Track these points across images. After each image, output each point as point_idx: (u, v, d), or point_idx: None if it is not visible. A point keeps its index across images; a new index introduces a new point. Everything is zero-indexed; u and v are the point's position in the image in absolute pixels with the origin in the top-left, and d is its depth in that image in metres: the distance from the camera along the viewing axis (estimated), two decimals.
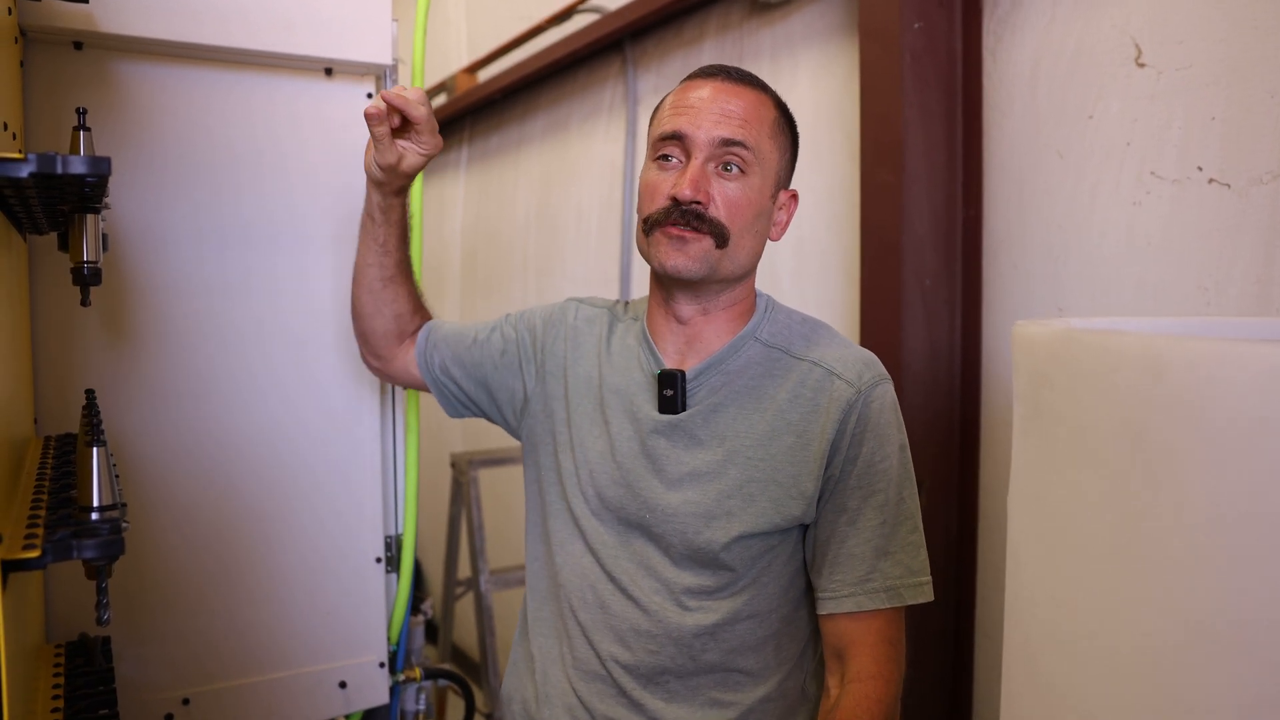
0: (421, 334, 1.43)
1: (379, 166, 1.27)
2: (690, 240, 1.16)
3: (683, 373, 1.22)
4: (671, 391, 1.22)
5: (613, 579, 1.24)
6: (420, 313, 1.45)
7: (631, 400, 1.26)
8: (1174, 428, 0.53)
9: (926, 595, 1.18)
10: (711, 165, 1.17)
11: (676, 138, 1.17)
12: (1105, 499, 0.59)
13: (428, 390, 1.45)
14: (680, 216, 1.15)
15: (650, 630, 1.21)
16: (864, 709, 1.13)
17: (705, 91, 1.19)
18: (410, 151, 1.27)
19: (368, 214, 1.35)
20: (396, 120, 1.24)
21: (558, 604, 1.30)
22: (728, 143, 1.16)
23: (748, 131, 1.17)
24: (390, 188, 1.31)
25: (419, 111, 1.23)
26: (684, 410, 1.22)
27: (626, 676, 1.22)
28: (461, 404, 1.43)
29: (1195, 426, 0.52)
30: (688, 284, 1.20)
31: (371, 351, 1.45)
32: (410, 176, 1.31)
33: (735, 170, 1.17)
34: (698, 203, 1.15)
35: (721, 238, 1.16)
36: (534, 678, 1.31)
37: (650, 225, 1.19)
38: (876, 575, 1.16)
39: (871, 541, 1.17)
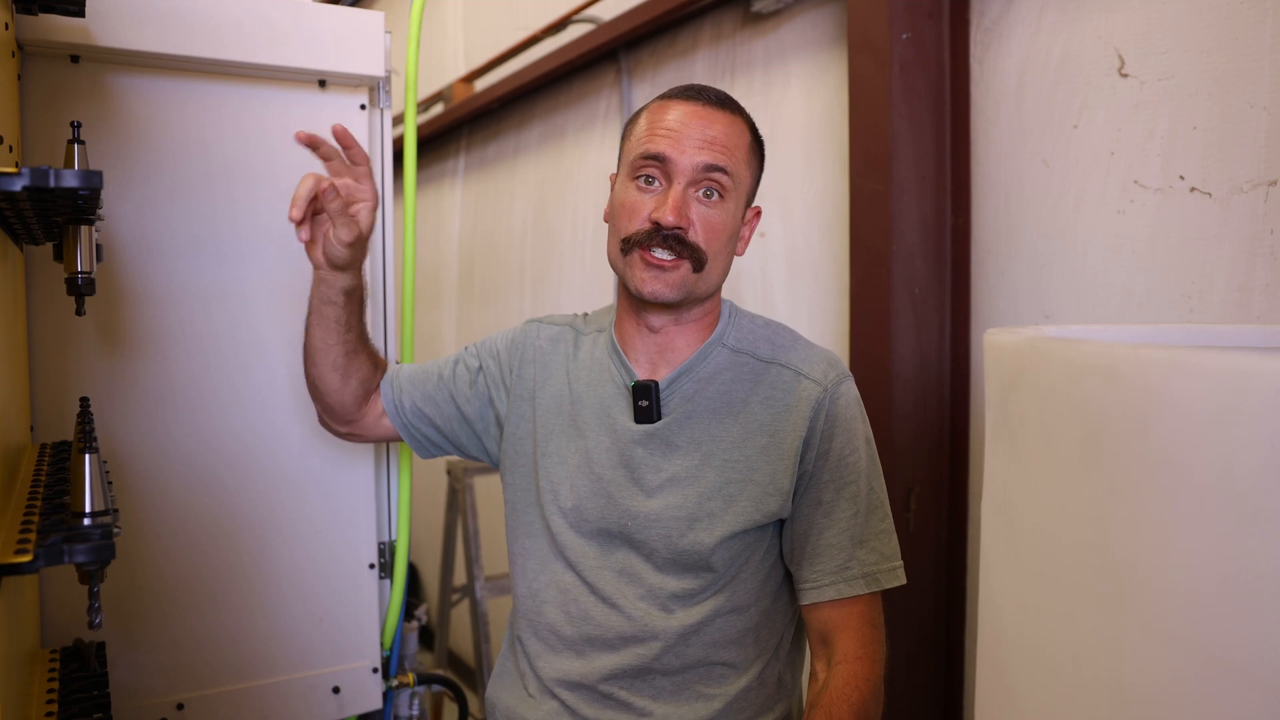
0: (384, 384, 1.39)
1: (343, 245, 1.20)
2: (669, 268, 1.18)
3: (656, 383, 1.25)
4: (646, 402, 1.24)
5: (595, 590, 1.26)
6: (380, 366, 1.40)
7: (608, 413, 1.28)
8: (1127, 437, 0.54)
9: (900, 579, 1.24)
10: (692, 190, 1.18)
11: (659, 160, 1.18)
12: (1067, 506, 0.60)
13: (398, 439, 1.42)
14: (662, 241, 1.17)
15: (636, 634, 1.23)
16: (853, 686, 1.19)
17: (684, 114, 1.20)
18: (363, 209, 1.22)
19: (326, 302, 1.27)
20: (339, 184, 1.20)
21: (538, 621, 1.31)
22: (710, 168, 1.17)
23: (729, 157, 1.19)
24: (356, 264, 1.25)
25: (359, 149, 1.22)
26: (660, 419, 1.25)
27: (612, 683, 1.24)
28: (434, 444, 1.41)
29: (1146, 435, 0.53)
30: (664, 305, 1.23)
31: (339, 420, 1.39)
32: (368, 236, 1.24)
33: (715, 196, 1.19)
34: (680, 228, 1.17)
35: (699, 262, 1.19)
36: (520, 686, 1.33)
37: (629, 245, 1.20)
38: (854, 563, 1.21)
39: (847, 531, 1.22)
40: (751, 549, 1.24)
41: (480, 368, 1.40)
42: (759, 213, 1.30)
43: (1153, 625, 0.55)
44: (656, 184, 1.20)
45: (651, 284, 1.19)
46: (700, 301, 1.25)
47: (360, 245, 1.23)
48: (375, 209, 1.24)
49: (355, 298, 1.29)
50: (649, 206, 1.19)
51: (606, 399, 1.29)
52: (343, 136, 1.21)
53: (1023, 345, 0.67)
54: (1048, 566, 0.62)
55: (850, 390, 1.26)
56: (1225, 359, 0.52)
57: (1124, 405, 0.54)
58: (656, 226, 1.17)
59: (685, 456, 1.23)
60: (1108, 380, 0.55)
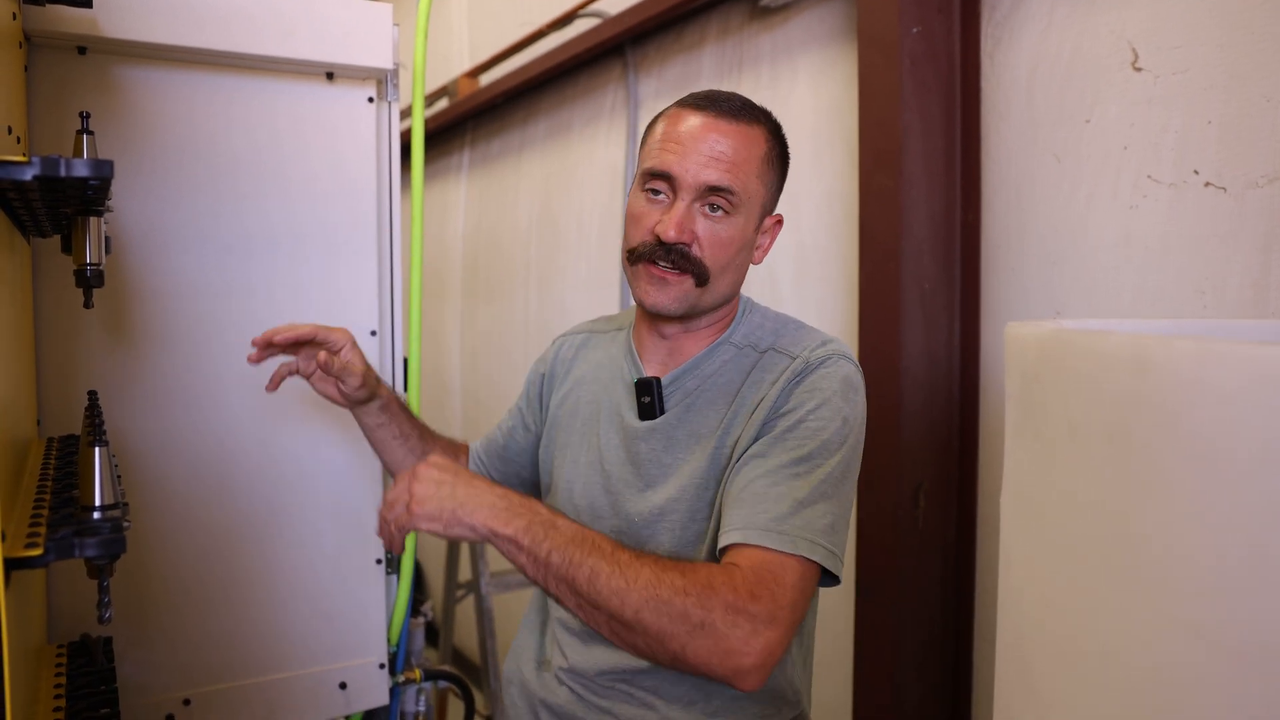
0: (469, 465, 1.51)
1: (355, 388, 1.34)
2: (671, 282, 1.19)
3: (658, 379, 1.26)
4: (649, 398, 1.25)
5: None
6: (456, 448, 1.52)
7: (618, 410, 1.30)
8: (1158, 427, 0.53)
9: (823, 558, 1.08)
10: (698, 205, 1.18)
11: (665, 177, 1.18)
12: (1092, 498, 0.59)
13: None
14: (664, 254, 1.17)
15: None
16: (719, 574, 1.04)
17: (695, 125, 1.18)
18: (345, 351, 1.34)
19: (375, 428, 1.41)
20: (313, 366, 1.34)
21: (555, 612, 1.34)
22: (713, 189, 1.17)
23: (735, 176, 1.17)
24: (373, 386, 1.37)
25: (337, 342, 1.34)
26: (662, 415, 1.26)
27: (612, 676, 1.25)
28: (535, 493, 1.49)
29: (1178, 426, 0.52)
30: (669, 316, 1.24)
31: None
32: (365, 366, 1.36)
33: (721, 212, 1.18)
34: (681, 244, 1.17)
35: (703, 277, 1.19)
36: (537, 666, 1.35)
37: (635, 257, 1.21)
38: (772, 517, 1.08)
39: (778, 486, 1.10)
40: None
41: (529, 408, 1.48)
42: (780, 221, 1.28)
43: (1184, 616, 0.54)
44: (663, 197, 1.20)
45: (654, 296, 1.20)
46: (710, 311, 1.26)
47: (369, 375, 1.36)
48: (354, 344, 1.36)
49: (394, 409, 1.41)
50: (654, 218, 1.19)
51: (618, 397, 1.31)
52: (278, 335, 1.32)
53: (1046, 337, 0.66)
54: (1074, 558, 0.61)
55: (838, 368, 1.18)
56: (1258, 350, 0.51)
57: (1154, 396, 0.54)
58: (659, 240, 1.17)
59: (685, 450, 1.23)
60: (1137, 371, 0.54)
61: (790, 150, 1.29)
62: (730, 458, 1.19)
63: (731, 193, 1.17)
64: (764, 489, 1.11)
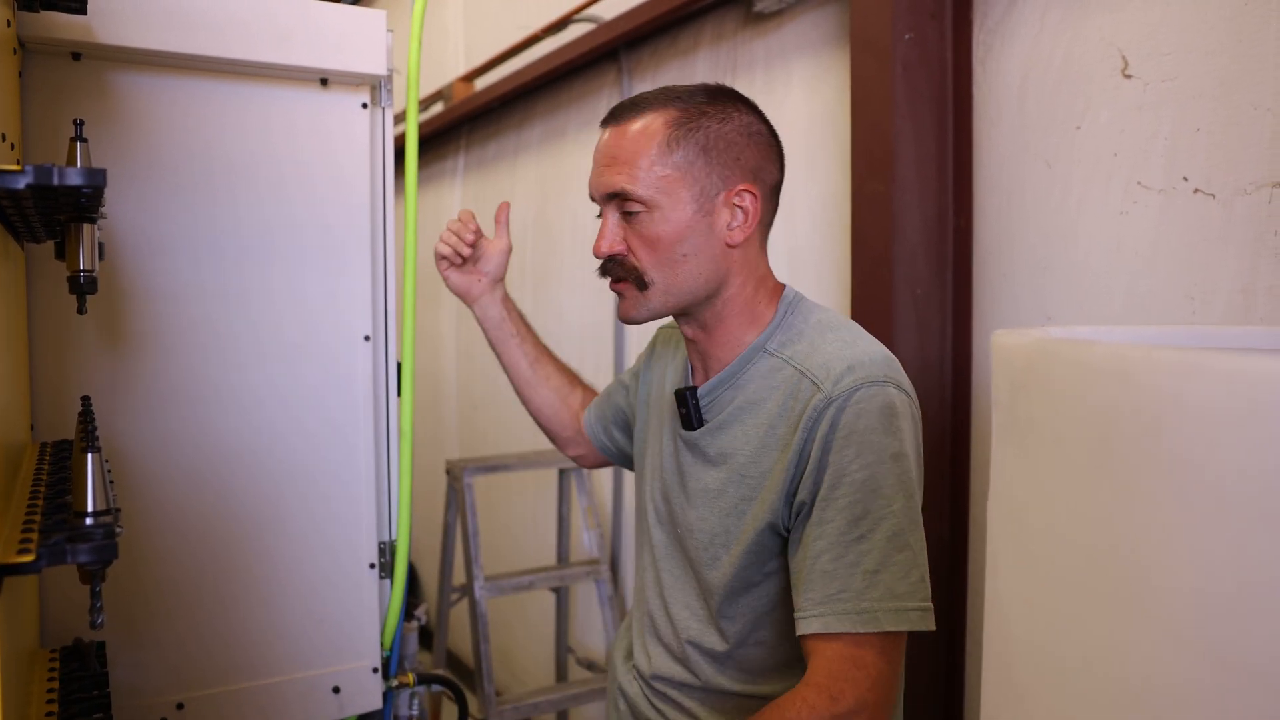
0: (585, 413, 1.57)
1: (502, 252, 1.52)
2: (624, 293, 1.22)
3: (693, 389, 1.24)
4: (685, 409, 1.24)
5: (661, 591, 1.31)
6: (577, 383, 1.60)
7: (675, 415, 1.31)
8: (1140, 438, 0.54)
9: (913, 623, 1.08)
10: (617, 215, 1.20)
11: (593, 200, 1.24)
12: (1078, 508, 0.60)
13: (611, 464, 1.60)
14: (609, 270, 1.22)
15: (681, 642, 1.27)
16: (775, 710, 1.07)
17: (601, 142, 1.23)
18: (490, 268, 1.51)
19: (497, 325, 1.55)
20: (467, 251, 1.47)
21: (640, 608, 1.39)
22: (613, 195, 1.19)
23: (626, 175, 1.16)
24: (502, 278, 1.53)
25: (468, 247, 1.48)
26: (699, 427, 1.24)
27: (664, 683, 1.30)
28: (629, 457, 1.52)
29: (1160, 437, 0.53)
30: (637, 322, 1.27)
31: (562, 443, 1.61)
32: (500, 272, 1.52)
33: (636, 214, 1.18)
34: (614, 256, 1.20)
35: (640, 281, 1.19)
36: (624, 656, 1.41)
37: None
38: (848, 594, 1.06)
39: (844, 557, 1.07)
40: (780, 570, 1.19)
41: (629, 380, 1.51)
42: (743, 190, 1.18)
43: (1164, 627, 0.54)
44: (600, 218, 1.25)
45: (621, 309, 1.25)
46: (706, 303, 1.21)
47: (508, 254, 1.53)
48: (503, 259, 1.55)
49: (511, 304, 1.56)
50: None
51: (673, 404, 1.33)
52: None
53: (1031, 347, 0.67)
54: (1057, 568, 0.62)
55: (874, 398, 1.08)
56: (1238, 361, 0.51)
57: (1136, 407, 0.54)
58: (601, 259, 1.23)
59: (715, 468, 1.22)
60: (1120, 382, 0.55)
61: (784, 155, 1.28)
62: (762, 493, 1.15)
63: (628, 193, 1.17)
64: (831, 565, 1.07)
